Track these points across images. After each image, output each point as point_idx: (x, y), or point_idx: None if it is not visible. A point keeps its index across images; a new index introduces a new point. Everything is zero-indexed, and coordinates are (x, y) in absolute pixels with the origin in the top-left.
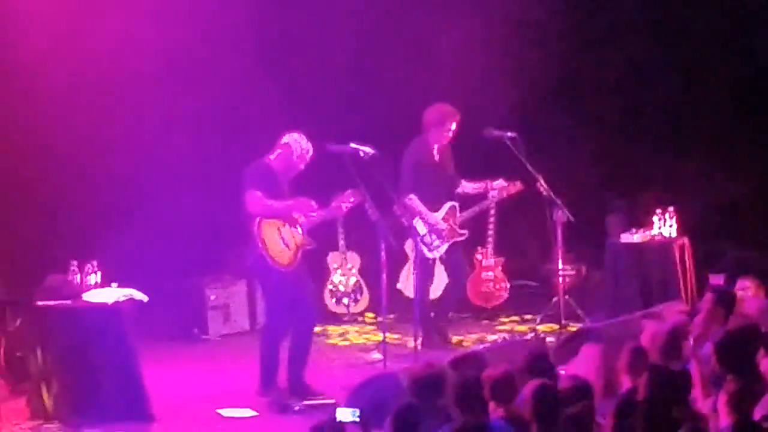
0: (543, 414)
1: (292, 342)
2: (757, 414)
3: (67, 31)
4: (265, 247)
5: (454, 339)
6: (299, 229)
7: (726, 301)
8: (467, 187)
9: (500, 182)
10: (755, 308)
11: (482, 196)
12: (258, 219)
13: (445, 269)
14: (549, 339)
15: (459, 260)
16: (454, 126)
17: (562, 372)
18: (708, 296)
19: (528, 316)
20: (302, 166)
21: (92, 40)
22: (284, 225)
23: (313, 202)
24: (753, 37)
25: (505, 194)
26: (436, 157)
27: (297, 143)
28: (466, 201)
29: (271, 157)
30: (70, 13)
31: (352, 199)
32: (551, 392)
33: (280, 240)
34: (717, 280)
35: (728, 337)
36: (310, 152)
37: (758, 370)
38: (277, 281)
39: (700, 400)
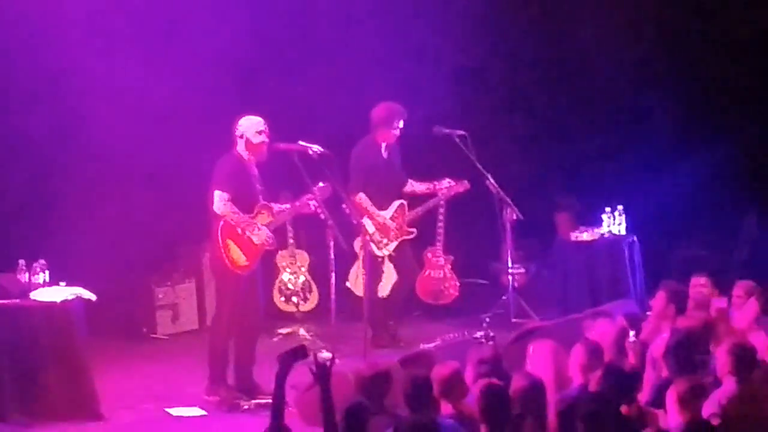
0: (491, 414)
1: (238, 341)
2: (706, 411)
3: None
4: (227, 249)
5: (403, 337)
6: (264, 230)
7: (677, 299)
8: (415, 186)
9: (446, 182)
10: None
11: (430, 195)
12: (222, 221)
13: (395, 267)
14: (498, 337)
15: (408, 258)
16: (401, 124)
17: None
18: (660, 294)
19: (478, 315)
20: (262, 140)
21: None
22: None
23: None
24: (705, 38)
25: (452, 193)
26: (385, 155)
27: (250, 123)
28: (415, 200)
29: (237, 147)
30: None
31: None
32: (500, 392)
33: (242, 245)
34: (698, 280)
35: (675, 341)
36: (264, 124)
37: (702, 369)
38: (232, 283)
39: (646, 397)
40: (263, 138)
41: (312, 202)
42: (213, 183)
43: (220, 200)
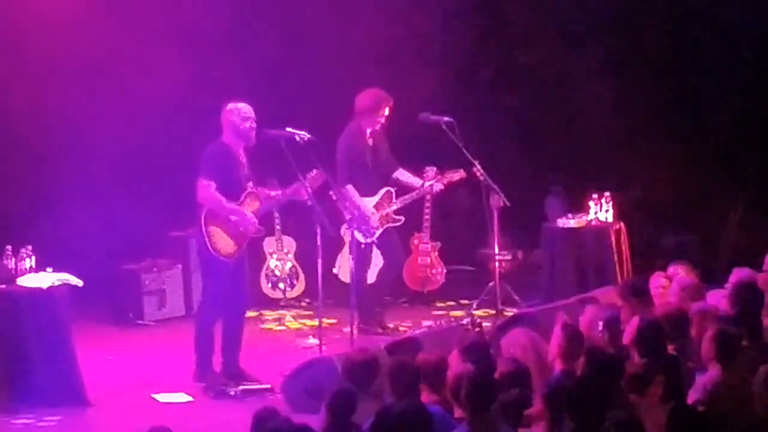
0: (473, 401)
1: (225, 327)
2: (691, 398)
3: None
4: (210, 238)
5: (391, 324)
6: (252, 217)
7: (636, 292)
8: (404, 175)
9: (432, 170)
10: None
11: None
12: (206, 209)
13: (381, 254)
14: (485, 324)
15: (394, 245)
16: (387, 111)
17: None
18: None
19: (464, 301)
20: (250, 125)
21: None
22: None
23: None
24: (693, 27)
25: (445, 182)
26: (370, 143)
27: (234, 109)
28: (403, 187)
29: (224, 135)
30: None
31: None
32: (482, 379)
33: (229, 232)
34: (677, 268)
35: (643, 327)
36: (250, 111)
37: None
38: (219, 270)
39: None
40: (251, 124)
41: (307, 186)
42: (199, 172)
43: (205, 189)
